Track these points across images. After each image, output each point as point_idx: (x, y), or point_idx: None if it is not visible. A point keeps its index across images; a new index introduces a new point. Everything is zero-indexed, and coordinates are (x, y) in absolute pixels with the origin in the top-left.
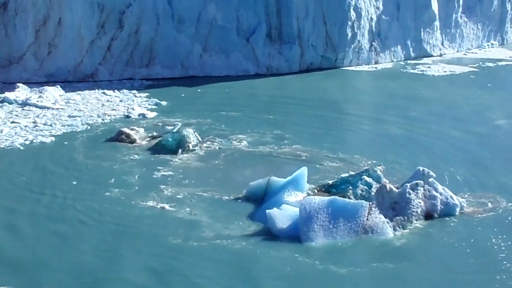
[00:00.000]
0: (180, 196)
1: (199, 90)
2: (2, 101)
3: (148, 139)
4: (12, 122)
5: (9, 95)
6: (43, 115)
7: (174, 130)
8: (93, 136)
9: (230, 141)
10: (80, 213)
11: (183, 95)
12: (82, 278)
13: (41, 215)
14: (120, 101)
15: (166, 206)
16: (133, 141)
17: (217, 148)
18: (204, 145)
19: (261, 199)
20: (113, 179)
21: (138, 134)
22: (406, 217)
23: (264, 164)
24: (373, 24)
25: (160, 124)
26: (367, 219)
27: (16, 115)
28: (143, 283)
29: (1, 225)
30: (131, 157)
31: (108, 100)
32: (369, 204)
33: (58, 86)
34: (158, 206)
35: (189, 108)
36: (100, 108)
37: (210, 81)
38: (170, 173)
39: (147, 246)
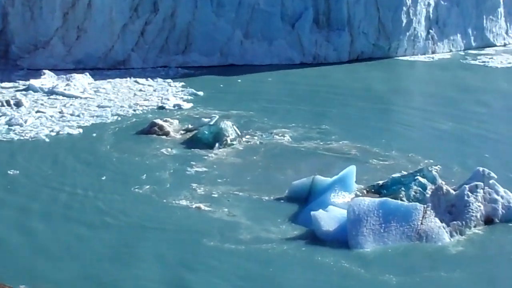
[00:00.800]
0: (215, 195)
1: (239, 80)
2: (27, 89)
3: (182, 131)
4: (37, 112)
5: (34, 82)
6: (71, 105)
7: (211, 123)
8: (123, 128)
9: (272, 135)
10: (103, 213)
11: (221, 85)
12: (97, 280)
13: (59, 215)
14: (154, 90)
15: (202, 206)
16: (166, 134)
17: (257, 142)
18: (243, 139)
19: (305, 199)
20: (143, 175)
21: (172, 126)
22: (464, 222)
23: (309, 162)
24: (431, 10)
25: (196, 116)
26: (421, 223)
27: (42, 104)
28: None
29: (15, 224)
30: (164, 151)
31: (140, 90)
32: (424, 207)
33: (87, 74)
34: (193, 206)
35: (228, 99)
36: (132, 98)
37: (252, 70)
38: (205, 169)
39: (177, 249)
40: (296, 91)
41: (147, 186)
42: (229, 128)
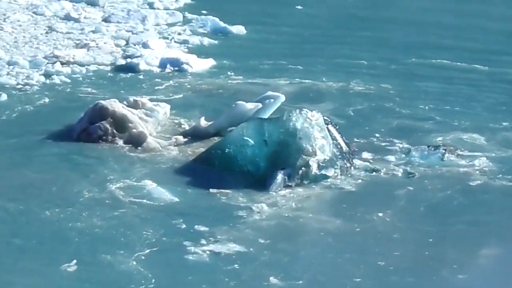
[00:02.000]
0: None
1: None
2: None
3: (182, 138)
4: None
5: None
6: None
7: (266, 115)
8: (14, 123)
9: (439, 152)
10: None
11: (299, 7)
12: None
13: None
14: (106, 19)
15: None
16: (137, 142)
17: (398, 173)
18: (358, 161)
19: None
20: (68, 264)
21: (153, 122)
22: None
23: None
24: None
25: (223, 92)
26: None
27: None
28: None
29: None
30: (126, 194)
31: (66, 16)
32: None
33: None
34: None
35: (313, 49)
36: (43, 39)
37: None
38: (240, 248)
39: None
40: (498, 34)
41: None
42: (317, 132)
